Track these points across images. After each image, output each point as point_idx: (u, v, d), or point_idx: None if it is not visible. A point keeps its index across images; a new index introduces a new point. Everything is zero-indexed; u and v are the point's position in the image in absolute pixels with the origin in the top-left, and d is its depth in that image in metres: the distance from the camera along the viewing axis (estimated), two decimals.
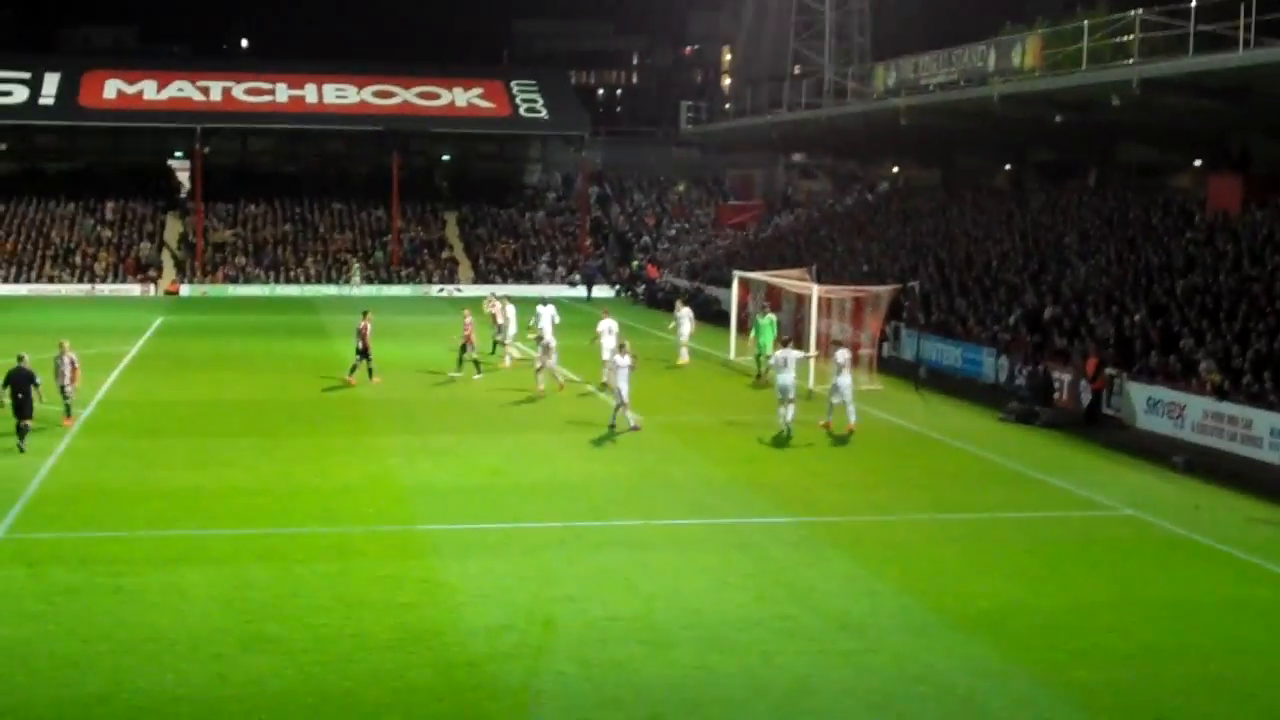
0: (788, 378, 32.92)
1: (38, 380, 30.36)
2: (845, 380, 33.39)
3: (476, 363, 41.92)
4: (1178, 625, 19.37)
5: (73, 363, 32.89)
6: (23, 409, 29.93)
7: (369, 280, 78.36)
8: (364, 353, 40.31)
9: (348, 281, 78.11)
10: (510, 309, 45.78)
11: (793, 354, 33.78)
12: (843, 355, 34.08)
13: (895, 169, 76.36)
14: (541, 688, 16.27)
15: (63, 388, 32.65)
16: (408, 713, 15.37)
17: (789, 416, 32.84)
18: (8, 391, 30.13)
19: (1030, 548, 23.53)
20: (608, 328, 41.10)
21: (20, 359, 30.71)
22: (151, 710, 15.48)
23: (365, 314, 41.10)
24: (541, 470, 29.00)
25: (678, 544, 23.06)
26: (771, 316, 44.18)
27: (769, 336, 42.05)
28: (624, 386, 32.93)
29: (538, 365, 39.50)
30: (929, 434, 34.46)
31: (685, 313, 46.91)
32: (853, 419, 33.50)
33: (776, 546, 23.02)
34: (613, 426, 33.25)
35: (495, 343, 45.62)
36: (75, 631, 18.07)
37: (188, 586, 20.11)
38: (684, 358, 46.48)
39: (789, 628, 18.68)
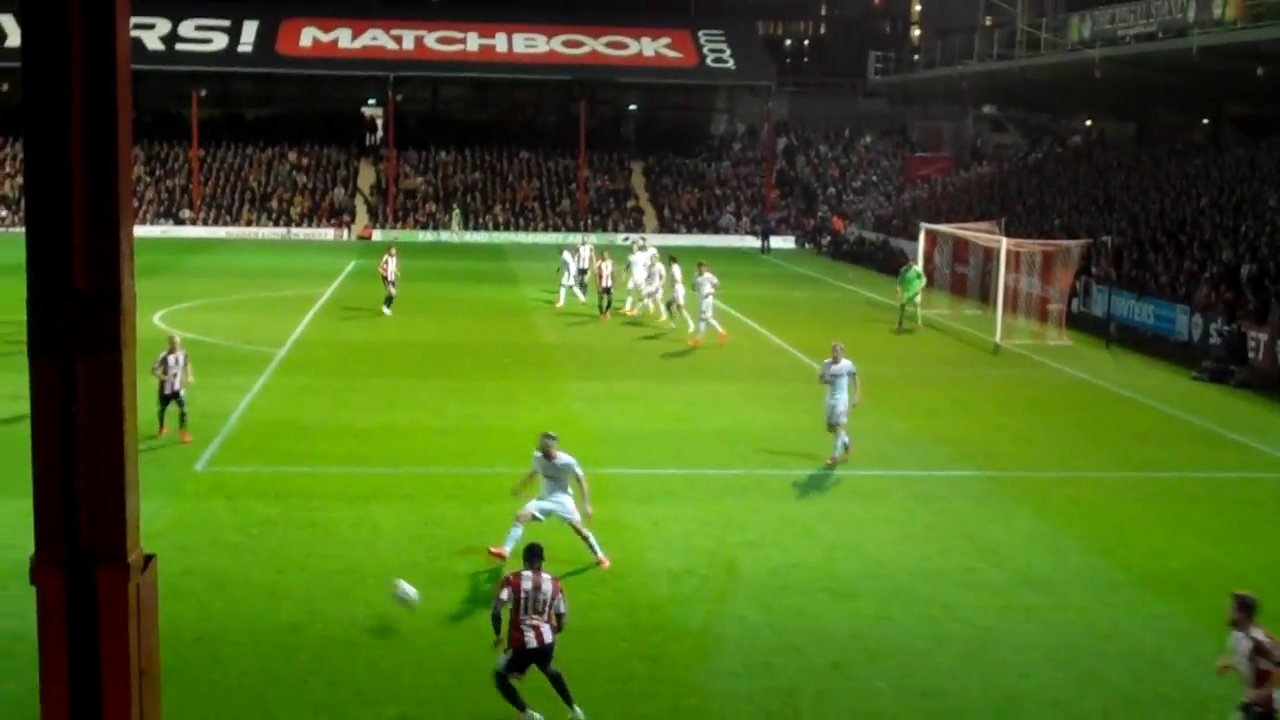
0: (838, 399, 25.02)
1: None
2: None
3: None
4: None
5: (180, 360, 25.41)
6: None
7: (556, 228, 78.88)
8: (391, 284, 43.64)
9: (446, 227, 78.71)
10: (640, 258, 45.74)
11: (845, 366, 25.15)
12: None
13: (1088, 122, 74.73)
14: (723, 632, 16.43)
15: (175, 394, 25.46)
16: (591, 651, 15.62)
17: (838, 443, 25.25)
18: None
19: (1222, 508, 23.06)
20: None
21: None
22: (342, 640, 15.96)
23: (390, 250, 44.92)
24: (723, 418, 29.13)
25: (859, 495, 23.06)
26: (917, 268, 44.15)
27: (914, 288, 43.29)
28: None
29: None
30: (1119, 391, 33.82)
31: (707, 278, 40.08)
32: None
33: (960, 500, 22.89)
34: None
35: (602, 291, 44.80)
36: (271, 563, 18.69)
37: (379, 521, 20.66)
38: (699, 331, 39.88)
39: (972, 580, 18.59)
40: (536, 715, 13.65)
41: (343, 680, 14.76)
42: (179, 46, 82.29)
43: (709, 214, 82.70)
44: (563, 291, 46.85)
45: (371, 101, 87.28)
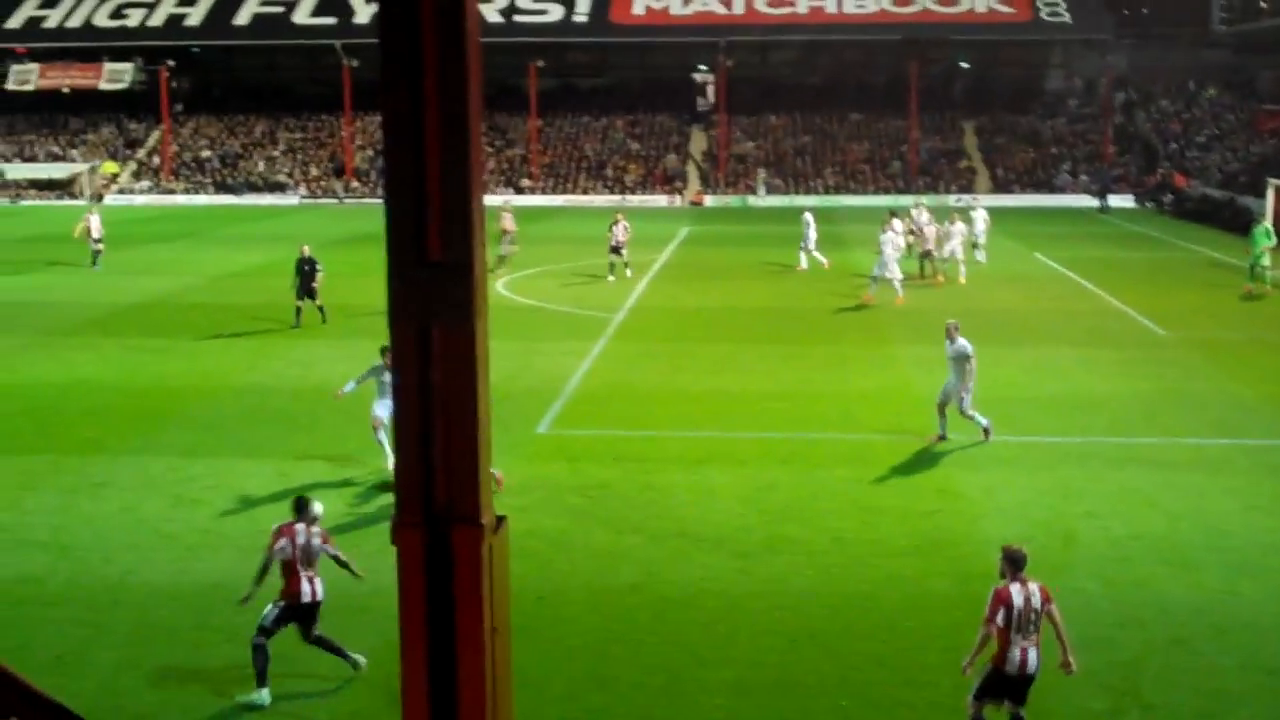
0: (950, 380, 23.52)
1: (319, 266, 35.25)
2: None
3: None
4: None
5: None
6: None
7: (886, 190, 78.12)
8: (616, 250, 44.01)
9: (753, 192, 78.30)
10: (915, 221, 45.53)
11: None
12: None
13: None
14: (1061, 604, 16.07)
15: None
16: (925, 619, 15.59)
17: (942, 422, 23.66)
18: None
19: None
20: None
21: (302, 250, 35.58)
22: (679, 601, 16.32)
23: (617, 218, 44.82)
24: (1060, 384, 28.51)
25: (1204, 464, 22.29)
26: (1266, 225, 41.86)
27: (1261, 245, 40.96)
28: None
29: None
30: None
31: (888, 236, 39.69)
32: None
33: None
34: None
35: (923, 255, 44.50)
36: (609, 524, 19.22)
37: (713, 486, 20.98)
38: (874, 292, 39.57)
39: None
40: (265, 694, 13.80)
41: (680, 641, 15.10)
42: (517, 19, 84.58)
43: (1044, 173, 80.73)
44: (803, 255, 46.46)
45: (702, 68, 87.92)
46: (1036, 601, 12.14)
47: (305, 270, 35.15)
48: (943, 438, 23.46)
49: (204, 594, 16.26)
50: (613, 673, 14.37)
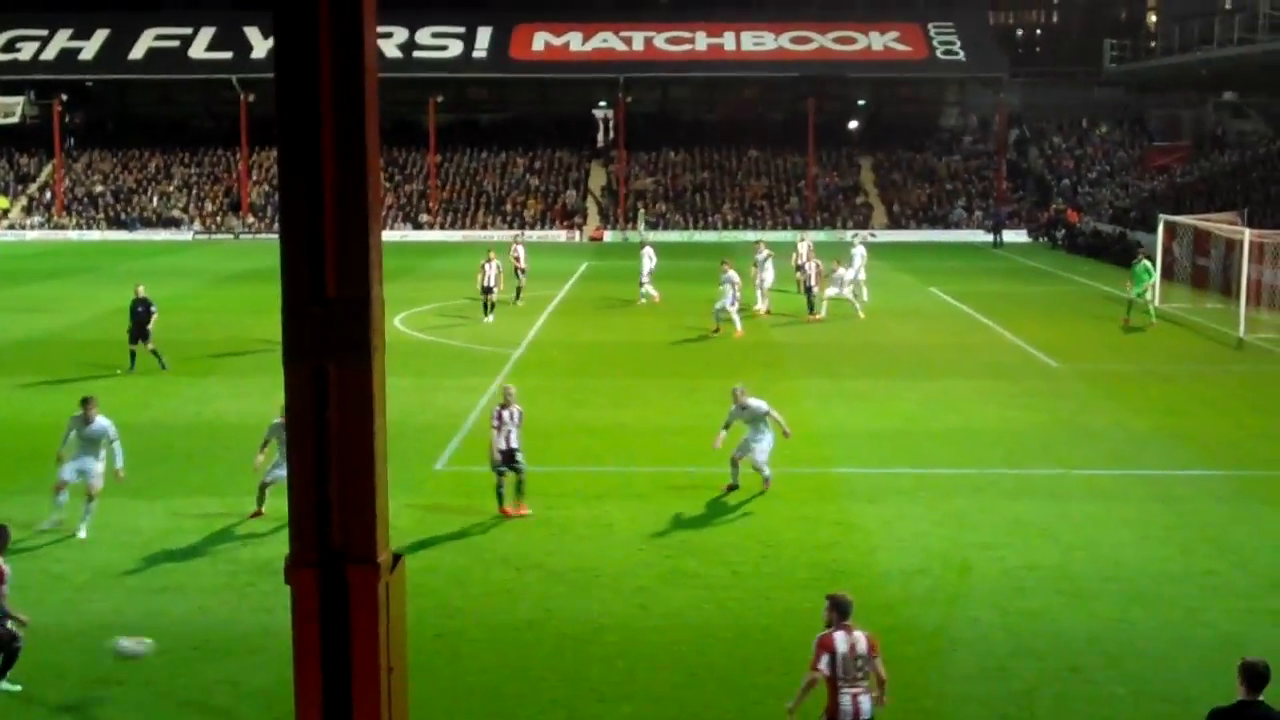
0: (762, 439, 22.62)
1: (154, 308, 33.72)
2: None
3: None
4: None
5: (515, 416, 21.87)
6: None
7: (784, 225, 78.70)
8: (487, 290, 42.99)
9: (634, 228, 78.57)
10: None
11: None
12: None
13: None
14: (957, 634, 16.32)
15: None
16: None
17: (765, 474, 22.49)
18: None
19: None
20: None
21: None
22: (578, 637, 16.27)
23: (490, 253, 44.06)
24: (956, 417, 28.81)
25: (1097, 495, 22.59)
26: (1146, 262, 42.62)
27: (1144, 282, 41.72)
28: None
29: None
30: None
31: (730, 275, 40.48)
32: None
33: (1203, 500, 22.27)
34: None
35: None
36: (508, 560, 19.11)
37: (612, 520, 20.96)
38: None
39: (1215, 584, 18.13)
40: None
41: (579, 677, 15.06)
42: (416, 54, 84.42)
43: (939, 209, 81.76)
44: (651, 289, 47.39)
45: (602, 104, 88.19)
46: (862, 648, 12.13)
47: (139, 312, 33.57)
48: (734, 487, 22.71)
49: (93, 634, 15.90)
50: (511, 710, 14.28)
